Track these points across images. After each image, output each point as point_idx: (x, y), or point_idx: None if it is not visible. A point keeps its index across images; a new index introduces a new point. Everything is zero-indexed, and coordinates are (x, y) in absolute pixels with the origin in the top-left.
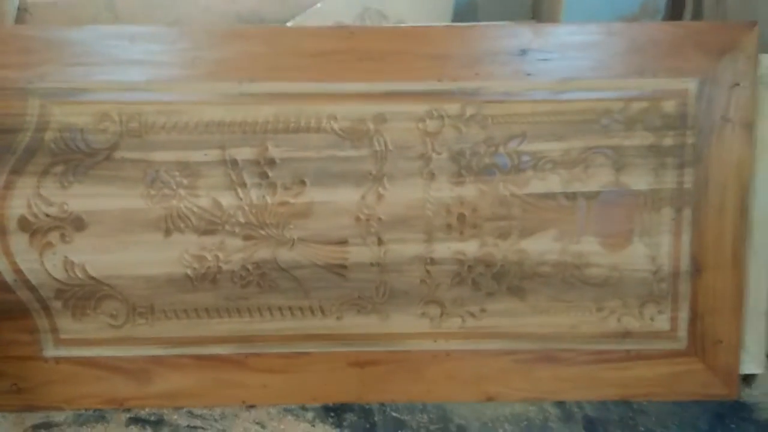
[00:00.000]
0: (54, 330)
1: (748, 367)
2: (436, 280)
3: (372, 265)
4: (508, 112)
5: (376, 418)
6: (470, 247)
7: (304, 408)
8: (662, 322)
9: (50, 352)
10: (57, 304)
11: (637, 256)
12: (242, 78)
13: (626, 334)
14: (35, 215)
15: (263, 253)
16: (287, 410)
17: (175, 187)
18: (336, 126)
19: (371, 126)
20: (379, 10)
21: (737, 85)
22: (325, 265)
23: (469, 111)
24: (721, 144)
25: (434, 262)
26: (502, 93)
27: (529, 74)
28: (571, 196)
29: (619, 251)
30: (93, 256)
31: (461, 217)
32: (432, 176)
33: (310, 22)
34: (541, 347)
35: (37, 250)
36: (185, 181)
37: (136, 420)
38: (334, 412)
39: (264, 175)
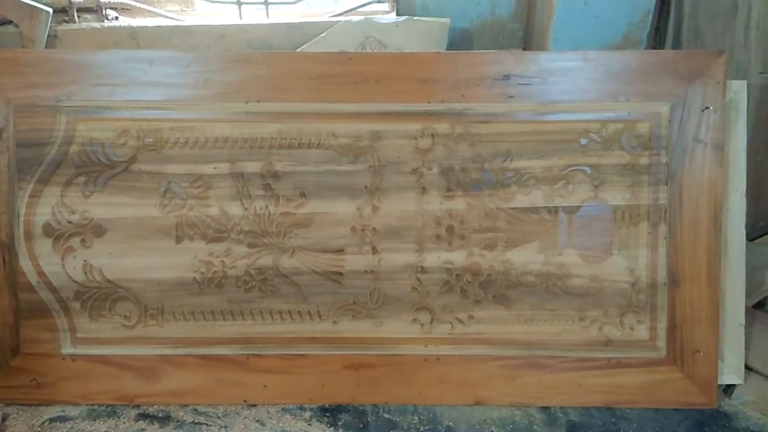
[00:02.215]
0: (72, 329)
1: (728, 377)
2: (427, 287)
3: (366, 272)
4: (493, 132)
5: (369, 419)
6: (458, 257)
7: (302, 408)
8: (642, 332)
9: (68, 350)
10: (76, 305)
11: (617, 268)
12: (249, 98)
13: (608, 343)
14: (59, 222)
15: (266, 259)
16: (286, 410)
17: (186, 197)
18: (335, 143)
19: (367, 143)
20: (379, 39)
21: (707, 108)
22: (323, 272)
23: (458, 130)
24: (693, 163)
25: (424, 270)
26: (487, 114)
27: (511, 97)
28: (553, 211)
29: (599, 263)
30: (110, 261)
31: (450, 229)
32: (423, 190)
33: (316, 50)
34: (526, 354)
35: (59, 254)
36: (195, 192)
37: (144, 416)
38: (329, 412)
39: (268, 187)
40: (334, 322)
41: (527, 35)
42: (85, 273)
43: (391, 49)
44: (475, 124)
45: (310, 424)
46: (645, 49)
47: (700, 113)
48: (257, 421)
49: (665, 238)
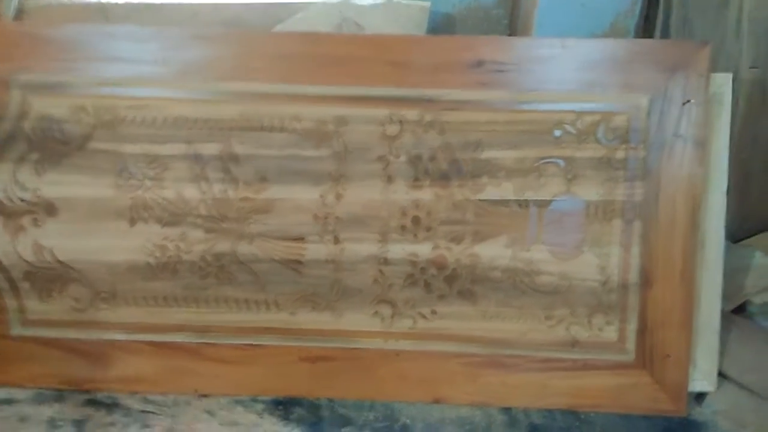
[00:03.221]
0: (22, 310)
1: (700, 384)
2: (389, 280)
3: (327, 262)
4: (464, 120)
5: (323, 413)
6: (423, 250)
7: (254, 400)
8: (610, 333)
9: (17, 331)
10: (26, 285)
11: (587, 266)
12: (209, 78)
13: (574, 344)
14: (10, 199)
15: (223, 245)
16: (238, 401)
17: (142, 178)
18: (298, 126)
19: (332, 128)
20: (356, 21)
21: (688, 102)
22: (282, 260)
23: (427, 117)
24: (672, 159)
25: (388, 262)
26: (458, 101)
27: (484, 84)
28: (524, 204)
29: (569, 260)
30: (62, 241)
31: (416, 220)
32: (390, 179)
33: (290, 29)
34: (490, 352)
35: (10, 233)
36: (152, 173)
37: (92, 402)
38: (283, 405)
39: (227, 171)
40: (291, 312)
41: (512, 23)
42: (36, 253)
43: (369, 31)
44: (446, 111)
45: (261, 417)
46: (633, 38)
47: (681, 107)
48: (207, 411)
49: (639, 236)
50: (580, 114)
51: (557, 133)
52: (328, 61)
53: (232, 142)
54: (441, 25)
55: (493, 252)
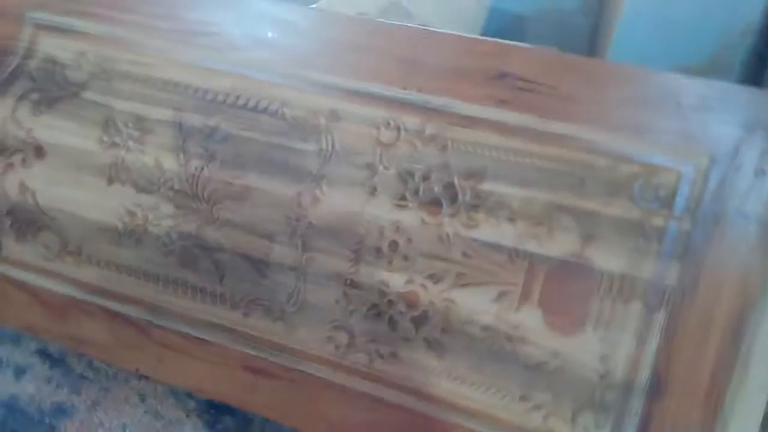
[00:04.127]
0: (0, 246)
1: None
2: (352, 305)
3: (291, 269)
4: (471, 140)
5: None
6: (396, 280)
7: (190, 396)
8: None
9: None
10: (6, 222)
11: (586, 350)
12: (209, 45)
13: None
14: (6, 135)
15: (189, 226)
16: (173, 392)
17: (126, 138)
18: (288, 113)
19: (323, 121)
20: (406, 7)
21: (764, 173)
22: (246, 255)
23: (429, 129)
24: (725, 242)
25: (354, 285)
26: (468, 117)
27: (503, 102)
28: (523, 255)
29: (565, 336)
30: (44, 186)
31: (393, 245)
32: (374, 191)
33: (334, 8)
34: (448, 419)
35: (1, 168)
36: (136, 134)
37: (42, 352)
38: (215, 410)
39: (207, 147)
40: (244, 313)
41: (595, 35)
42: (20, 193)
43: (417, 20)
44: (452, 126)
45: (188, 416)
46: (737, 81)
47: (753, 177)
48: (140, 394)
49: (661, 329)
50: (617, 160)
51: (583, 178)
52: (332, 46)
53: (218, 117)
54: (505, 28)
55: (475, 303)
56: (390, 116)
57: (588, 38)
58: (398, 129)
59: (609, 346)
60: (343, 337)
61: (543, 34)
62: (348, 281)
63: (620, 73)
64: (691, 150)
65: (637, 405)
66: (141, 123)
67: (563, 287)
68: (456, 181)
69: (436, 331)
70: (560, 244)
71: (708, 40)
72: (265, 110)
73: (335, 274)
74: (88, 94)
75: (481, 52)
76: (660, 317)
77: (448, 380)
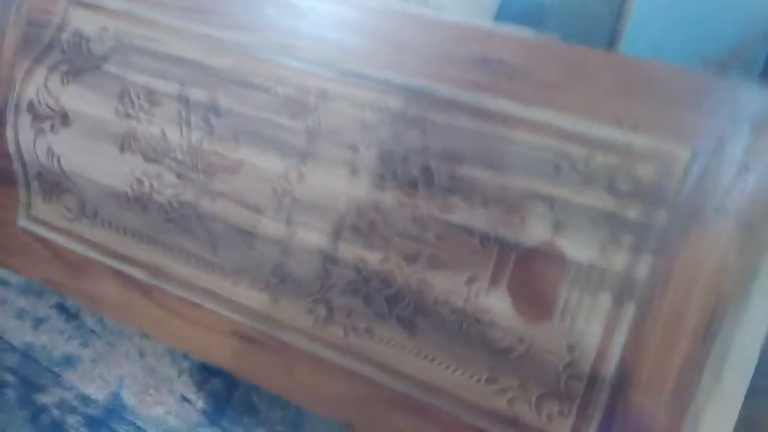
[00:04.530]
0: (28, 205)
1: None
2: (332, 280)
3: (276, 242)
4: (450, 124)
5: (234, 395)
6: (373, 258)
7: (185, 357)
8: (561, 427)
9: (22, 222)
10: (35, 184)
11: (553, 338)
12: (215, 23)
13: (514, 422)
14: (39, 102)
15: (189, 195)
16: (170, 352)
17: (137, 109)
18: (281, 90)
19: (312, 100)
20: None
21: (747, 169)
22: (236, 226)
23: (412, 111)
24: (702, 239)
25: (334, 261)
26: (449, 101)
27: (484, 87)
28: (494, 241)
29: (533, 322)
30: (68, 151)
31: (371, 224)
32: (355, 171)
33: None
34: (415, 395)
35: (34, 132)
36: (146, 106)
37: (60, 306)
38: (205, 372)
39: (207, 120)
40: (233, 282)
41: (617, 25)
42: (48, 157)
43: (433, 5)
44: (433, 109)
45: (179, 376)
46: (761, 75)
47: (736, 173)
48: (140, 351)
49: (629, 323)
50: (595, 150)
51: (559, 166)
52: (326, 27)
53: (218, 92)
54: (526, 16)
55: (447, 285)
56: (375, 98)
57: (610, 29)
58: (381, 111)
59: (576, 335)
60: (321, 310)
61: (563, 24)
62: (328, 257)
63: (603, 62)
64: (672, 142)
65: (602, 396)
66: (151, 96)
67: (532, 274)
68: (433, 164)
69: (408, 310)
70: (532, 232)
71: (728, 32)
72: (260, 87)
73: (316, 250)
74: (108, 67)
75: (465, 37)
76: (629, 311)
77: (418, 358)
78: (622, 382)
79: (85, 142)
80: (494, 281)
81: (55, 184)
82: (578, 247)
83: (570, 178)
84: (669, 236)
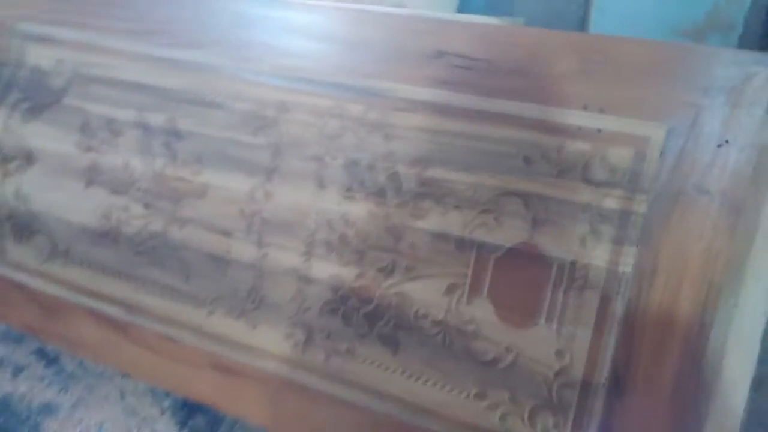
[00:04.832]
0: (2, 249)
1: None
2: (308, 302)
3: (249, 266)
4: (414, 126)
5: (220, 430)
6: (348, 275)
7: (167, 394)
8: None
9: None
10: (7, 227)
11: (541, 344)
12: (167, 43)
13: None
14: (3, 142)
15: (157, 225)
16: (152, 391)
17: (99, 141)
18: (239, 107)
19: (272, 113)
20: None
21: (726, 143)
22: (208, 253)
23: (372, 116)
24: (686, 222)
25: (309, 280)
26: (408, 101)
27: (442, 82)
28: (470, 245)
29: (518, 330)
30: (36, 191)
31: (343, 238)
32: (322, 184)
33: None
34: (405, 419)
35: (1, 174)
36: (107, 137)
37: (39, 352)
38: (187, 409)
39: (169, 146)
40: (209, 312)
41: (587, 2)
42: (17, 198)
43: (391, 2)
44: (394, 112)
45: (162, 414)
46: (740, 39)
47: (715, 149)
48: (120, 392)
49: (619, 321)
50: (565, 138)
51: (530, 159)
52: (280, 35)
53: (176, 115)
54: (491, 2)
55: (426, 296)
56: (334, 105)
57: (581, 8)
58: (342, 118)
59: (564, 340)
60: (300, 334)
61: (531, 8)
62: (302, 277)
63: (564, 43)
64: (644, 122)
65: (597, 404)
66: (111, 125)
67: (513, 277)
68: (400, 169)
69: (389, 326)
70: (508, 232)
71: None
72: (218, 105)
73: (290, 270)
74: (67, 100)
75: (418, 30)
76: (617, 308)
77: (403, 377)
78: (617, 387)
79: (52, 180)
80: (474, 288)
81: (25, 225)
82: (558, 244)
83: (542, 171)
84: (651, 224)
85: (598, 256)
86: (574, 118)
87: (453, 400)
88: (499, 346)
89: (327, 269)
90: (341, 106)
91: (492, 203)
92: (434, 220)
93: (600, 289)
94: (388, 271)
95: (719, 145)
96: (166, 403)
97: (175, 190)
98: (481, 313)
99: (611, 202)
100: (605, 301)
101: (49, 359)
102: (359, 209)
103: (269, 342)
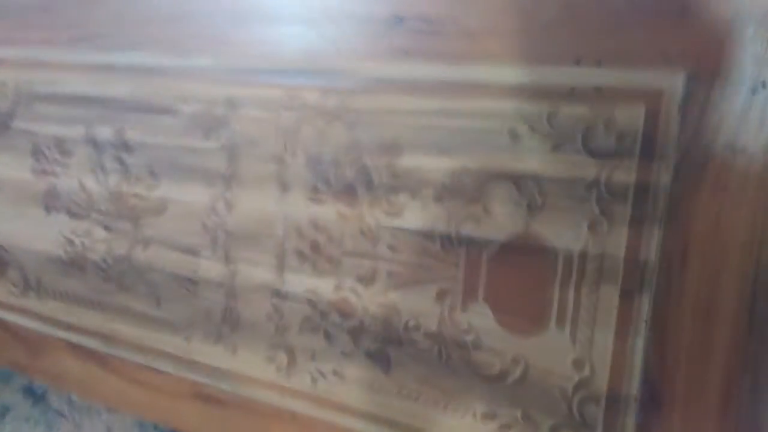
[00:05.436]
0: None
1: None
2: (286, 320)
3: (219, 285)
4: (378, 108)
5: None
6: (324, 287)
7: (156, 428)
8: None
9: None
10: None
11: (553, 353)
12: (104, 46)
13: None
14: None
15: (121, 248)
16: (140, 424)
17: (52, 163)
18: (186, 109)
19: (222, 112)
20: None
21: (763, 86)
22: (175, 275)
23: (331, 102)
24: (721, 192)
25: (283, 296)
26: (369, 78)
27: (406, 52)
28: (458, 242)
29: (524, 337)
30: (1, 223)
31: (315, 246)
32: (285, 186)
33: None
34: None
35: None
36: (59, 158)
37: (27, 390)
38: None
39: (121, 161)
40: (186, 338)
41: None
42: None
43: None
44: (354, 95)
45: None
46: None
47: (748, 95)
48: (108, 428)
49: (647, 320)
50: (557, 101)
51: (517, 133)
52: (221, 25)
53: (124, 126)
54: None
55: (415, 305)
56: (287, 95)
57: None
58: (297, 109)
59: (581, 346)
60: (282, 357)
61: None
62: (276, 292)
63: None
64: (656, 70)
65: (629, 421)
66: (61, 145)
67: (512, 276)
68: (368, 161)
69: (377, 342)
70: (501, 223)
71: None
72: (164, 110)
73: (262, 286)
74: (16, 123)
75: None
76: (642, 305)
77: (399, 398)
78: (653, 399)
79: (13, 210)
80: (468, 293)
81: None
82: (561, 232)
83: (534, 146)
84: (676, 198)
85: (612, 243)
86: (566, 76)
87: (458, 422)
88: (505, 358)
89: (302, 282)
90: (294, 95)
91: (478, 191)
92: (413, 217)
93: (618, 282)
94: (368, 279)
95: (753, 90)
96: None
97: (133, 208)
98: (479, 320)
99: (623, 176)
100: (627, 297)
101: (36, 397)
102: (328, 212)
103: (251, 367)
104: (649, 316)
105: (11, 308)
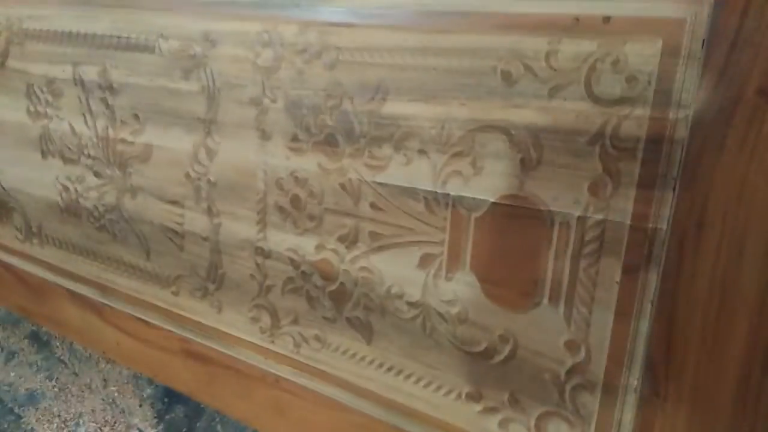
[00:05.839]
0: None
1: None
2: (268, 279)
3: (204, 239)
4: (359, 45)
5: (198, 425)
6: (306, 246)
7: (150, 382)
8: None
9: None
10: None
11: (545, 332)
12: None
13: None
14: None
15: (110, 196)
16: (137, 377)
17: (44, 104)
18: (165, 47)
19: (199, 50)
20: None
21: None
22: (162, 226)
23: (311, 37)
24: (750, 148)
25: (266, 254)
26: (351, 12)
27: None
28: (444, 200)
29: (513, 312)
30: (4, 165)
31: (296, 201)
32: (265, 134)
33: None
34: (386, 419)
35: None
36: (51, 99)
37: (33, 336)
38: (168, 398)
39: (106, 103)
40: (173, 292)
41: None
42: None
43: None
44: (334, 28)
45: (140, 405)
46: None
47: None
48: (104, 379)
49: (654, 299)
50: (557, 40)
51: (509, 75)
52: None
53: (108, 65)
54: None
55: (397, 270)
56: (263, 29)
57: None
58: (275, 45)
59: (576, 326)
60: (266, 318)
61: None
62: (259, 249)
63: None
64: (667, 2)
65: (626, 414)
66: (52, 85)
67: (501, 243)
68: (348, 107)
69: (359, 309)
70: (490, 180)
71: None
72: (143, 46)
73: (245, 242)
74: (10, 62)
75: None
76: (648, 281)
77: (381, 371)
78: (655, 392)
79: (13, 152)
80: (453, 259)
81: (3, 203)
82: (558, 192)
83: (529, 90)
84: (694, 155)
85: (617, 207)
86: (568, 4)
87: (440, 400)
88: (492, 334)
89: (284, 240)
90: (272, 29)
91: (466, 143)
92: (396, 172)
93: (622, 255)
94: (350, 240)
95: None
96: (147, 392)
97: (120, 153)
98: (465, 290)
99: (632, 128)
100: (631, 272)
101: (41, 343)
102: (308, 163)
103: (236, 327)
104: (657, 296)
105: (15, 253)
